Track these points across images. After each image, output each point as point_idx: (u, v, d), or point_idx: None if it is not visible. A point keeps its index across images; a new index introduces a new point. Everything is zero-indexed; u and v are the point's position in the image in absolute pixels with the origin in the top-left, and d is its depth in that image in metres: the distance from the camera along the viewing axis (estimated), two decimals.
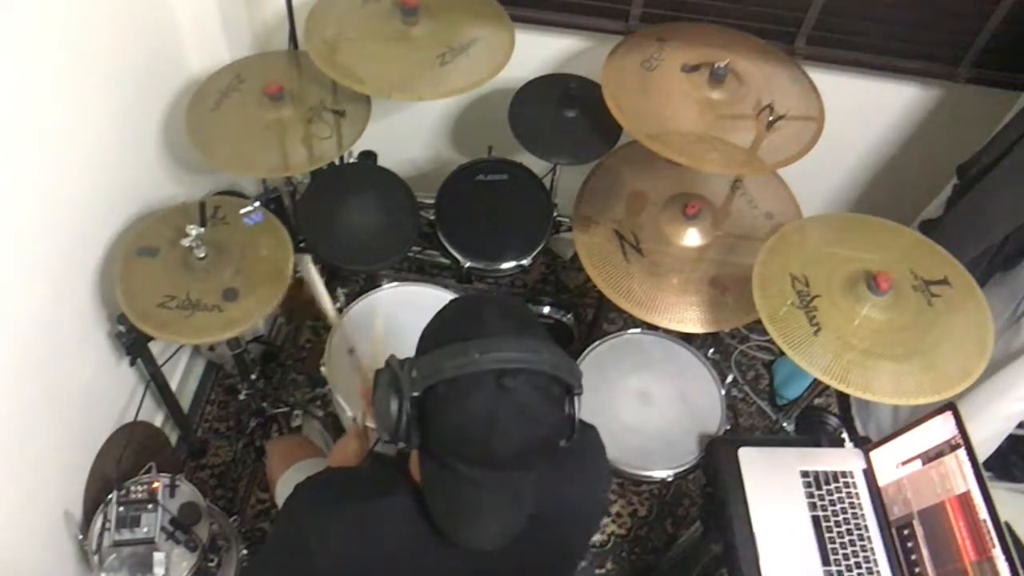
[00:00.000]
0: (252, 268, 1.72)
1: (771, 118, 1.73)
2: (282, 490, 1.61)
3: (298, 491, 1.07)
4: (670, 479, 1.70)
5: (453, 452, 0.95)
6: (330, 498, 1.05)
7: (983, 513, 1.36)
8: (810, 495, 1.54)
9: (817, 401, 2.36)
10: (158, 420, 2.12)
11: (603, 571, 2.10)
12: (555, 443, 0.99)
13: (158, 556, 1.60)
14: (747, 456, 1.59)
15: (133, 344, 1.75)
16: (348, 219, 1.91)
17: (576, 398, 0.99)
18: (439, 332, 0.99)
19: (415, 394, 0.94)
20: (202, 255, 1.68)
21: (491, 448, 0.93)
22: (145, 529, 1.64)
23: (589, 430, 1.19)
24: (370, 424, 1.38)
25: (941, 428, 1.47)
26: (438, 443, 0.96)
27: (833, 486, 1.55)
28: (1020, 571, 1.30)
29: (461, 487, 0.97)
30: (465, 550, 1.02)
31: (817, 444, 1.63)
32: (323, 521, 1.02)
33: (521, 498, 1.01)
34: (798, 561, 1.47)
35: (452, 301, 1.05)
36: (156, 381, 1.93)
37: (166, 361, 1.93)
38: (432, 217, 2.00)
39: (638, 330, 1.92)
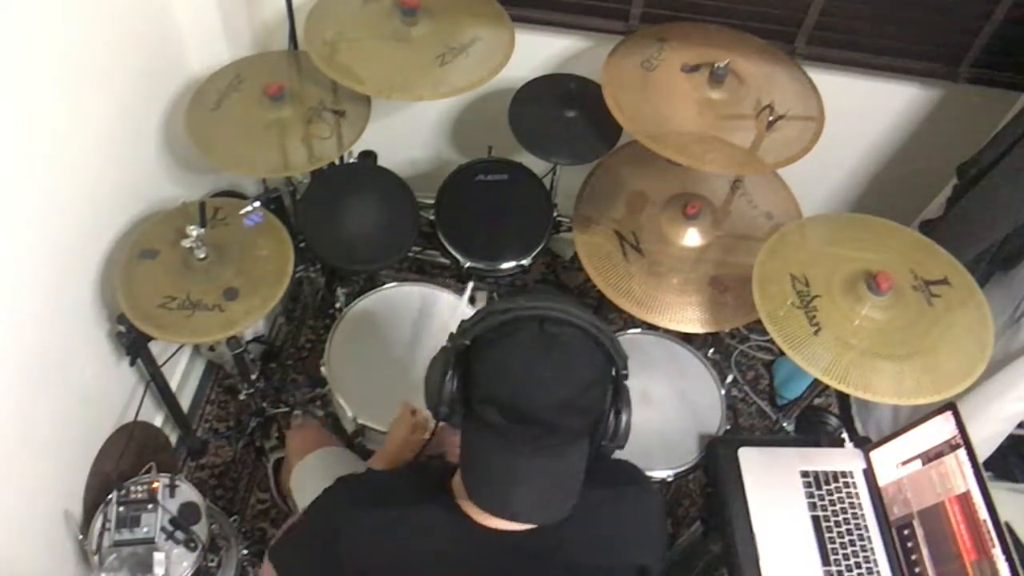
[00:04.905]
0: (252, 268, 1.73)
1: (771, 118, 1.73)
2: (298, 476, 1.61)
3: (338, 484, 1.09)
4: (670, 479, 1.70)
5: (490, 399, 0.94)
6: (367, 497, 1.07)
7: (983, 513, 1.36)
8: (810, 495, 1.54)
9: (817, 401, 2.36)
10: (158, 420, 2.12)
11: None
12: (595, 413, 0.98)
13: (158, 556, 1.60)
14: (747, 456, 1.59)
15: (133, 344, 1.75)
16: (348, 219, 1.91)
17: (621, 381, 0.99)
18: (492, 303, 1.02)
19: (465, 343, 0.97)
20: (202, 255, 1.68)
21: (527, 392, 0.91)
22: (145, 529, 1.64)
23: (651, 492, 1.17)
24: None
25: (941, 428, 1.47)
26: (477, 392, 0.96)
27: (833, 486, 1.55)
28: (1020, 571, 1.30)
29: (497, 448, 0.95)
30: (500, 556, 1.01)
31: (817, 444, 1.63)
32: (356, 516, 1.04)
33: (560, 473, 0.97)
34: (798, 561, 1.47)
35: None
36: (156, 381, 1.93)
37: (166, 361, 1.93)
38: (432, 217, 2.00)
39: (638, 330, 1.92)
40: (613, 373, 1.00)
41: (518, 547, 1.02)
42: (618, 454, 1.09)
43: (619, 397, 1.00)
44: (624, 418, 1.00)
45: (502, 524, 1.00)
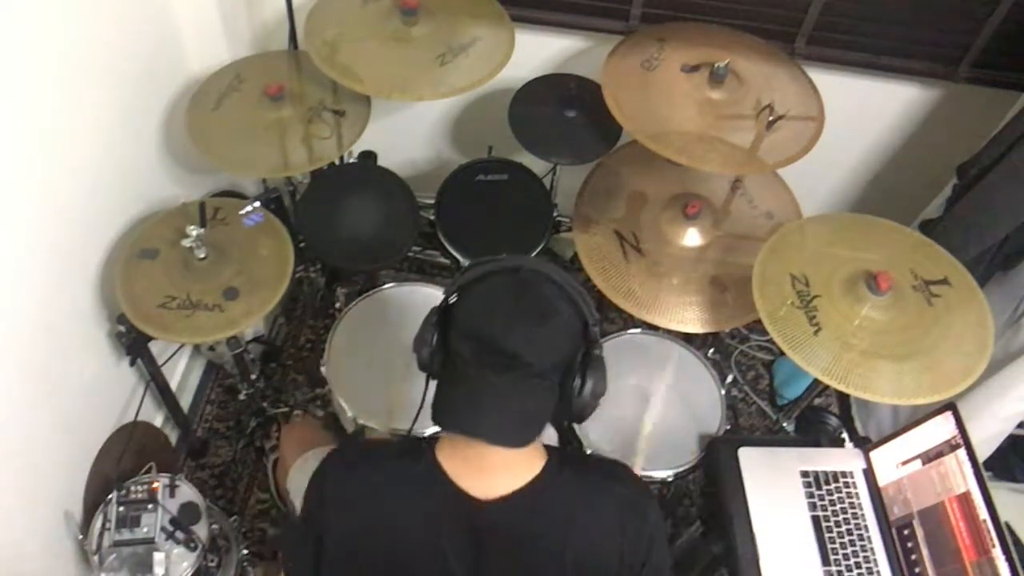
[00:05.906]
0: (252, 268, 1.72)
1: (771, 118, 1.73)
2: (295, 478, 1.61)
3: (333, 453, 1.15)
4: (670, 479, 1.70)
5: (466, 336, 1.01)
6: (354, 460, 1.14)
7: (983, 513, 1.36)
8: (810, 495, 1.54)
9: (817, 401, 2.36)
10: (158, 420, 2.12)
11: None
12: (563, 355, 1.02)
13: (158, 556, 1.60)
14: (747, 456, 1.59)
15: (133, 344, 1.75)
16: (348, 219, 1.90)
17: (593, 339, 1.04)
18: None
19: (452, 298, 1.06)
20: (202, 255, 1.68)
21: (497, 323, 0.99)
22: (145, 529, 1.63)
23: (649, 498, 1.16)
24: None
25: (941, 428, 1.47)
26: (455, 331, 1.03)
27: (833, 486, 1.55)
28: (1020, 571, 1.30)
29: (467, 375, 1.02)
30: (474, 525, 1.03)
31: (817, 444, 1.63)
32: (342, 479, 1.09)
33: (524, 403, 1.02)
34: (798, 561, 1.47)
35: None
36: (156, 381, 1.93)
37: (166, 361, 1.93)
38: (432, 217, 2.00)
39: (638, 330, 1.92)
40: (586, 336, 1.05)
41: (495, 519, 1.04)
42: (621, 455, 1.09)
43: (589, 355, 1.04)
44: (594, 376, 1.04)
45: (480, 491, 1.04)
